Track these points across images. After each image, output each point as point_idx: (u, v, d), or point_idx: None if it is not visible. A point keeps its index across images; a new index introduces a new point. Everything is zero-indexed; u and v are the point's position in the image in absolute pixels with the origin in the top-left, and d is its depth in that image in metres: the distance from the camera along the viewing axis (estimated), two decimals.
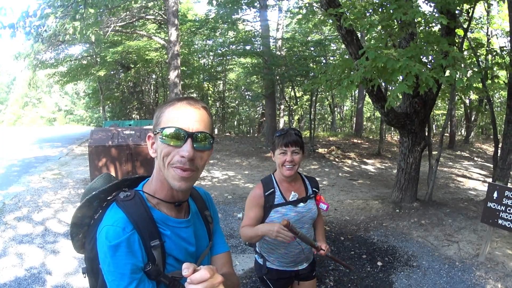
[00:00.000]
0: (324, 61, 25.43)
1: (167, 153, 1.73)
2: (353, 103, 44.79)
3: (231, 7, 23.20)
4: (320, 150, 23.00)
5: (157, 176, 1.85)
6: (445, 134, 20.24)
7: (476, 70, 9.28)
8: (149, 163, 12.23)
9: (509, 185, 9.25)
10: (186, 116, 1.75)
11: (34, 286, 6.04)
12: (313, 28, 25.90)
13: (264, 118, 32.34)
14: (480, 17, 21.09)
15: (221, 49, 30.25)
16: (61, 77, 33.83)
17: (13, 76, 78.24)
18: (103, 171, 11.80)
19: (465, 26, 11.06)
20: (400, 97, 10.21)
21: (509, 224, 6.74)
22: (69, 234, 6.33)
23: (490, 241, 7.25)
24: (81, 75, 33.28)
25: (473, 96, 24.95)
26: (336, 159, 20.84)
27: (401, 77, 7.72)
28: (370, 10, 8.77)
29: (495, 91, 25.46)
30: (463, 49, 11.04)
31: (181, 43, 23.87)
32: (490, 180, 11.75)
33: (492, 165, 12.75)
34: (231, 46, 28.65)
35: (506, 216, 6.78)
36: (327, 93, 33.23)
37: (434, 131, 34.10)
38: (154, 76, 37.66)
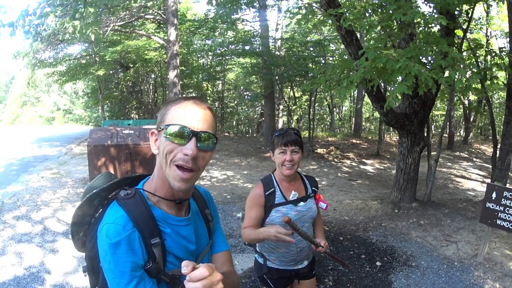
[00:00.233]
0: (323, 61, 25.41)
1: (170, 150, 1.73)
2: (352, 104, 44.88)
3: (231, 7, 23.20)
4: (319, 150, 23.02)
5: (158, 174, 1.85)
6: (444, 135, 20.28)
7: (475, 71, 9.28)
8: (148, 162, 12.23)
9: (507, 185, 9.26)
10: (191, 115, 1.76)
11: (33, 285, 6.04)
12: (312, 28, 25.88)
13: (263, 118, 32.34)
14: (480, 18, 21.11)
15: (220, 49, 30.24)
16: (60, 76, 33.80)
17: (11, 75, 78.40)
18: (102, 171, 11.79)
19: (464, 26, 11.07)
20: (399, 97, 10.22)
21: (507, 225, 6.76)
22: (68, 233, 6.35)
23: (488, 241, 7.26)
24: (80, 75, 33.24)
25: (472, 97, 24.95)
26: (335, 160, 20.86)
27: (400, 78, 7.74)
28: (370, 11, 8.78)
29: (494, 92, 25.59)
30: (463, 50, 11.05)
31: (180, 42, 23.84)
32: (488, 180, 11.76)
33: (490, 166, 12.76)
34: (230, 46, 28.63)
35: (505, 216, 6.79)
36: (326, 94, 33.26)
37: (433, 131, 34.13)
38: (153, 76, 37.62)
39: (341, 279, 6.60)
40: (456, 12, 10.11)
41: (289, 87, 32.93)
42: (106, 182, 1.99)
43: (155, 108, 37.76)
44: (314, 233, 3.81)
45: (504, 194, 6.85)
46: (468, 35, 12.87)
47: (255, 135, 37.44)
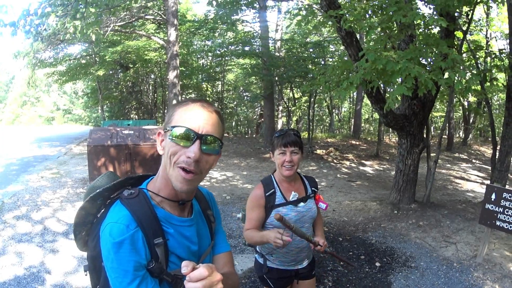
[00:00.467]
0: (323, 62, 25.40)
1: (174, 152, 1.74)
2: (351, 105, 44.85)
3: (231, 8, 23.25)
4: (318, 151, 23.01)
5: (162, 174, 1.85)
6: (444, 136, 20.29)
7: (475, 72, 9.28)
8: (147, 163, 12.24)
9: (507, 187, 9.28)
10: (197, 117, 1.77)
11: (33, 285, 6.05)
12: (312, 29, 25.88)
13: (263, 119, 32.36)
14: (480, 19, 21.06)
15: (220, 49, 30.19)
16: (60, 76, 33.77)
17: (12, 74, 78.33)
18: (101, 171, 11.82)
19: (464, 28, 11.08)
20: (399, 99, 10.23)
21: (507, 226, 6.77)
22: (68, 233, 6.37)
23: (488, 242, 7.28)
24: (80, 75, 33.23)
25: (472, 99, 24.93)
26: (334, 161, 20.87)
27: (400, 79, 7.75)
28: (370, 12, 8.79)
29: (494, 94, 25.57)
30: (462, 52, 11.06)
31: (180, 43, 23.84)
32: (488, 182, 11.78)
33: (490, 167, 12.77)
34: (230, 46, 28.60)
35: (504, 217, 6.80)
36: (326, 95, 33.22)
37: (433, 133, 34.10)
38: (153, 76, 37.57)
39: (340, 280, 6.61)
40: (456, 14, 10.12)
41: (289, 88, 32.91)
42: (109, 182, 1.99)
43: (155, 109, 37.79)
44: (314, 233, 3.83)
45: (504, 196, 6.86)
46: (468, 36, 12.86)
47: (254, 136, 37.46)
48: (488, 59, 13.64)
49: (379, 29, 8.79)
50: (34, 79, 35.57)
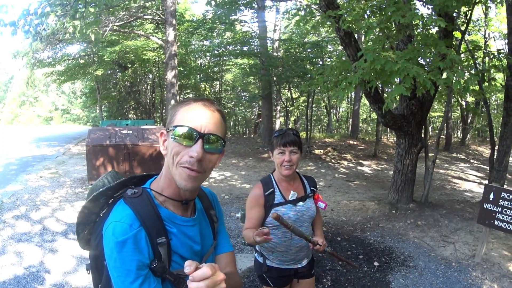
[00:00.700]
0: (321, 62, 25.42)
1: (177, 152, 1.74)
2: (349, 105, 44.91)
3: (229, 8, 23.24)
4: (316, 151, 23.02)
5: (165, 173, 1.86)
6: (442, 136, 20.31)
7: (473, 72, 9.33)
8: (146, 162, 12.25)
9: (505, 186, 9.30)
10: (199, 117, 1.77)
11: (33, 284, 6.06)
12: (311, 29, 25.89)
13: (261, 119, 32.33)
14: (478, 20, 21.08)
15: (218, 49, 30.15)
16: (58, 76, 33.71)
17: (11, 74, 78.22)
18: (100, 171, 11.86)
19: (463, 28, 11.10)
20: (398, 99, 10.25)
21: (505, 225, 6.78)
22: (67, 233, 6.39)
23: (486, 242, 7.29)
24: (78, 74, 33.18)
25: (470, 99, 24.98)
26: (332, 160, 20.89)
27: (398, 79, 7.76)
28: (368, 12, 8.80)
29: (492, 94, 25.54)
30: (461, 52, 11.08)
31: (178, 43, 23.84)
32: (486, 182, 11.79)
33: (488, 167, 12.80)
34: (228, 46, 28.58)
35: (502, 217, 6.82)
36: (324, 95, 33.24)
37: (431, 133, 34.19)
38: (151, 76, 37.48)
39: (339, 279, 6.63)
40: (454, 14, 10.15)
41: (287, 88, 32.91)
42: (112, 181, 2.00)
43: (153, 109, 37.76)
44: (313, 232, 3.85)
45: (502, 195, 6.87)
46: (467, 36, 12.91)
47: (252, 135, 37.40)
48: (487, 59, 13.71)
49: (377, 29, 8.81)
50: (32, 79, 35.61)
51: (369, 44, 10.37)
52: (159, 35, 25.51)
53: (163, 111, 34.19)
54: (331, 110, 43.82)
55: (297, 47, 25.62)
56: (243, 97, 43.26)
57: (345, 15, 7.97)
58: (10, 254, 7.12)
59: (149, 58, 28.04)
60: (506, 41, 12.13)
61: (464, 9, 10.72)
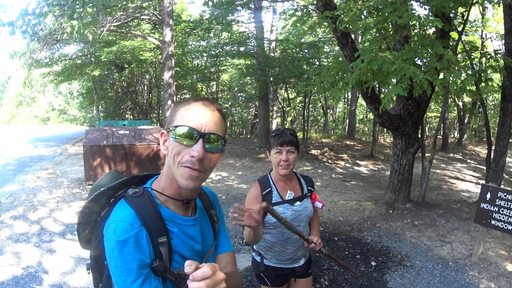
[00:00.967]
0: (317, 63, 25.40)
1: (178, 152, 1.75)
2: (345, 105, 44.86)
3: (226, 8, 23.24)
4: (313, 152, 23.05)
5: (166, 173, 1.87)
6: (438, 136, 20.30)
7: (470, 73, 9.35)
8: (143, 163, 12.27)
9: (502, 186, 9.33)
10: (200, 116, 1.78)
11: (31, 285, 6.06)
12: (308, 30, 25.89)
13: (257, 119, 32.30)
14: (475, 20, 21.11)
15: (215, 50, 30.16)
16: (55, 76, 33.60)
17: (8, 74, 78.09)
18: (97, 171, 11.89)
19: (459, 29, 11.13)
20: (394, 99, 10.27)
21: (502, 225, 6.82)
22: (64, 233, 6.41)
23: (483, 241, 7.32)
24: (75, 75, 33.05)
25: (467, 99, 25.02)
26: (329, 161, 20.89)
27: (395, 80, 7.78)
28: (365, 13, 8.81)
29: (489, 94, 25.55)
30: (458, 52, 11.11)
31: (175, 43, 23.83)
32: (482, 182, 11.81)
33: (484, 167, 12.81)
34: (225, 47, 28.64)
35: (499, 216, 6.85)
36: (320, 95, 33.22)
37: (427, 133, 34.18)
38: (148, 77, 37.42)
39: (336, 279, 6.64)
40: (451, 15, 10.17)
41: (283, 89, 32.90)
42: (113, 181, 2.02)
43: (150, 109, 37.73)
44: (310, 231, 3.87)
45: (499, 195, 6.90)
46: (463, 37, 12.93)
47: (249, 136, 37.42)
48: (483, 59, 13.68)
49: (374, 30, 8.81)
50: (30, 79, 35.48)
51: (366, 44, 10.38)
52: (156, 36, 25.45)
53: (160, 111, 34.16)
54: (328, 111, 43.82)
55: (294, 47, 25.59)
56: (240, 98, 43.19)
57: (342, 16, 7.98)
58: (8, 255, 7.13)
59: (146, 59, 28.02)
60: (503, 41, 12.15)
61: (461, 9, 10.74)
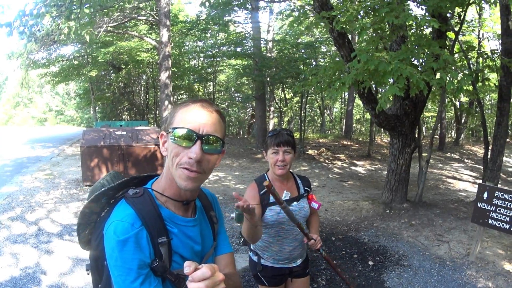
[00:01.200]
0: (314, 63, 25.39)
1: (177, 153, 1.76)
2: (342, 105, 44.91)
3: (223, 9, 23.22)
4: (310, 152, 23.06)
5: (166, 174, 1.88)
6: (435, 136, 20.34)
7: (467, 72, 9.36)
8: (140, 163, 12.28)
9: (499, 186, 9.36)
10: (198, 118, 1.79)
11: (29, 286, 6.06)
12: (304, 30, 25.92)
13: (254, 120, 32.28)
14: (472, 20, 21.12)
15: (212, 50, 30.14)
16: (52, 77, 33.54)
17: (5, 75, 77.97)
18: (95, 172, 11.90)
19: (456, 29, 11.14)
20: (391, 99, 10.27)
21: (499, 224, 6.84)
22: (62, 234, 6.41)
23: (480, 240, 7.33)
24: (72, 75, 33.00)
25: (464, 99, 25.03)
26: (326, 161, 20.90)
27: (391, 80, 7.79)
28: (362, 13, 8.82)
29: (486, 94, 25.59)
30: (454, 52, 11.11)
31: (172, 44, 23.79)
32: (479, 181, 11.83)
33: (481, 167, 12.85)
34: (221, 47, 28.63)
35: (496, 216, 6.88)
36: (317, 95, 33.23)
37: (424, 133, 34.19)
38: (145, 77, 37.35)
39: (334, 279, 6.65)
40: (448, 15, 10.18)
41: (280, 89, 32.89)
42: (113, 181, 2.02)
43: (147, 110, 37.69)
44: (309, 230, 3.87)
45: (496, 194, 6.93)
46: (460, 37, 12.95)
47: (246, 136, 37.38)
48: (480, 59, 13.74)
49: (371, 30, 8.84)
50: (27, 80, 35.48)
51: (362, 44, 10.43)
52: (153, 36, 25.44)
53: (157, 112, 34.13)
54: (325, 111, 43.80)
55: (291, 47, 25.55)
56: (237, 98, 43.22)
57: (339, 16, 8.00)
58: (6, 256, 7.12)
59: (143, 59, 27.97)
60: (500, 41, 12.18)
61: (457, 9, 10.75)
